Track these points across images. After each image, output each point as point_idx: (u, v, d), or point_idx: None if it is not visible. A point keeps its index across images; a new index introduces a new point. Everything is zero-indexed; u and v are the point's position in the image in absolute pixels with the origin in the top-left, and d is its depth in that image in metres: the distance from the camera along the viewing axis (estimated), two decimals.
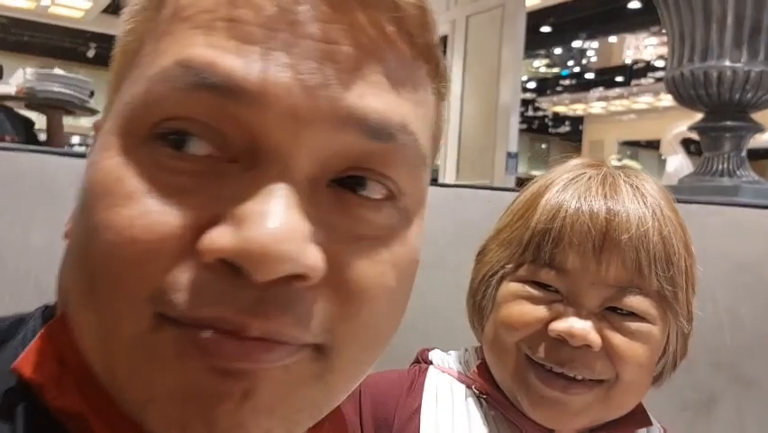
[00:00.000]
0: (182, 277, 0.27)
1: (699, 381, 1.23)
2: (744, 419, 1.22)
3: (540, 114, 15.40)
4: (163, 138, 0.28)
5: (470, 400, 0.66)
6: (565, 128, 16.09)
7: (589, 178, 0.62)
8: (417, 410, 0.65)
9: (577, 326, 0.58)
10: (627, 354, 0.59)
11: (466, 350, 0.72)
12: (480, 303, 0.67)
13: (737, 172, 1.77)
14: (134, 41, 0.31)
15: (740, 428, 1.22)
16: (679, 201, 1.92)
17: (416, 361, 0.73)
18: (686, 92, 1.78)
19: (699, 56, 1.74)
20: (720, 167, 1.78)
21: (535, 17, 9.14)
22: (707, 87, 1.72)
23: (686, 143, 3.98)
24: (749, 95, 1.71)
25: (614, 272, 0.58)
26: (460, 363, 0.70)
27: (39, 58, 11.21)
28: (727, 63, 1.70)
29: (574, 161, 0.67)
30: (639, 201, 0.60)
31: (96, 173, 0.29)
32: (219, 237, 0.26)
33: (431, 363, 0.71)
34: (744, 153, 1.81)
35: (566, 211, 0.59)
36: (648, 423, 0.68)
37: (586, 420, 0.62)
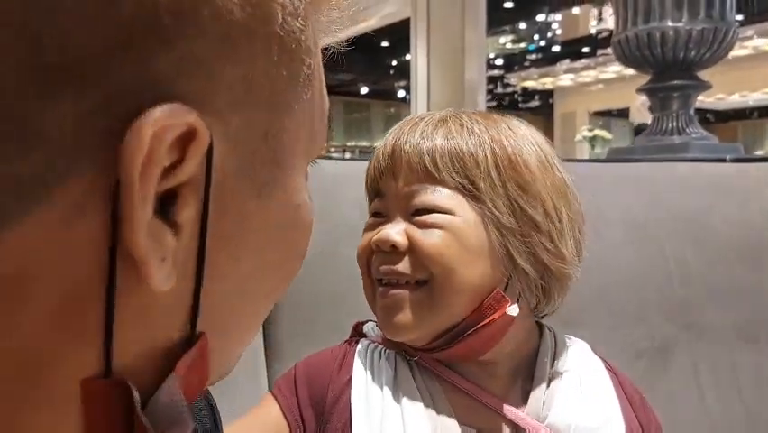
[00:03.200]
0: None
1: (652, 330, 1.27)
2: (697, 366, 1.26)
3: (509, 90, 15.45)
4: None
5: (400, 365, 0.69)
6: (536, 102, 16.17)
7: (425, 118, 0.70)
8: (348, 383, 0.68)
9: (382, 233, 0.66)
10: (426, 244, 0.64)
11: None
12: None
13: (686, 130, 1.81)
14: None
15: (694, 373, 1.26)
16: (629, 160, 1.97)
17: (352, 334, 0.76)
18: (632, 54, 1.82)
19: (642, 18, 1.78)
20: (670, 125, 1.82)
21: None
22: (651, 48, 1.76)
23: None
24: (692, 53, 1.75)
25: (404, 178, 0.67)
26: None
27: None
28: (669, 23, 1.74)
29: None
30: (444, 127, 0.67)
31: (310, 213, 0.34)
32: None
33: (364, 334, 0.74)
34: (692, 111, 1.85)
35: (382, 146, 0.70)
36: (500, 337, 0.67)
37: (422, 325, 0.66)
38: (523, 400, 0.69)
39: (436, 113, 0.71)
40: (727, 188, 1.35)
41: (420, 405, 0.66)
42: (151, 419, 0.26)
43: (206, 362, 0.30)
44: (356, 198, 0.81)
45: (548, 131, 15.78)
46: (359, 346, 0.72)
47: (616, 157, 2.06)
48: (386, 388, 0.67)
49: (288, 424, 0.69)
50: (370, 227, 0.70)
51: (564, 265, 0.66)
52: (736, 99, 13.10)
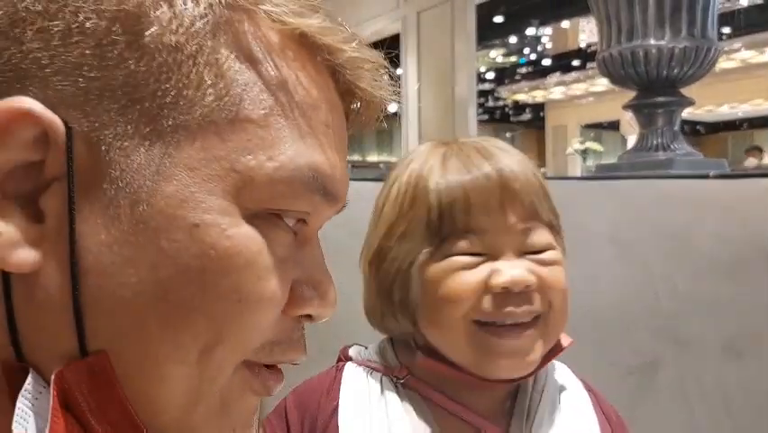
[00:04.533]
0: (279, 330, 0.35)
1: (640, 346, 1.29)
2: (684, 380, 1.28)
3: (500, 103, 15.54)
4: (271, 213, 0.33)
5: (387, 386, 0.70)
6: (527, 116, 16.25)
7: (459, 150, 0.69)
8: (335, 409, 0.69)
9: (515, 273, 0.65)
10: (553, 280, 0.67)
11: (382, 341, 0.75)
12: (404, 298, 0.69)
13: (671, 146, 1.84)
14: (241, 106, 0.32)
15: (681, 388, 1.27)
16: (615, 177, 1.98)
17: (339, 359, 0.76)
18: (617, 72, 1.85)
19: (625, 36, 1.81)
20: (655, 142, 1.85)
21: (487, 8, 9.22)
22: (635, 66, 1.79)
23: None
24: (675, 70, 1.78)
25: (517, 217, 0.66)
26: (376, 354, 0.74)
27: None
28: (652, 42, 1.77)
29: (423, 147, 0.73)
30: (510, 156, 0.69)
31: (233, 242, 0.31)
32: (310, 304, 0.36)
33: (350, 358, 0.74)
34: (676, 127, 1.88)
35: (463, 181, 0.66)
36: (560, 349, 0.72)
37: (538, 359, 0.67)
38: (506, 419, 0.70)
39: (458, 146, 0.70)
40: (711, 204, 1.38)
41: (408, 427, 0.67)
42: (38, 412, 0.29)
43: (113, 386, 0.30)
44: (344, 217, 0.82)
45: (540, 143, 15.85)
46: (345, 371, 0.72)
47: (602, 174, 2.08)
48: (374, 410, 0.68)
49: None
50: (468, 267, 0.65)
51: None
52: (725, 111, 13.22)
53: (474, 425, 0.69)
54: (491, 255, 0.66)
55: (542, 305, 0.66)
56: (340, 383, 0.71)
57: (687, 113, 1.93)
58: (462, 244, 0.66)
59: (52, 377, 0.29)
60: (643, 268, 1.33)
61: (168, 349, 0.31)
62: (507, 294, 0.64)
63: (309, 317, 0.37)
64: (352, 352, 0.75)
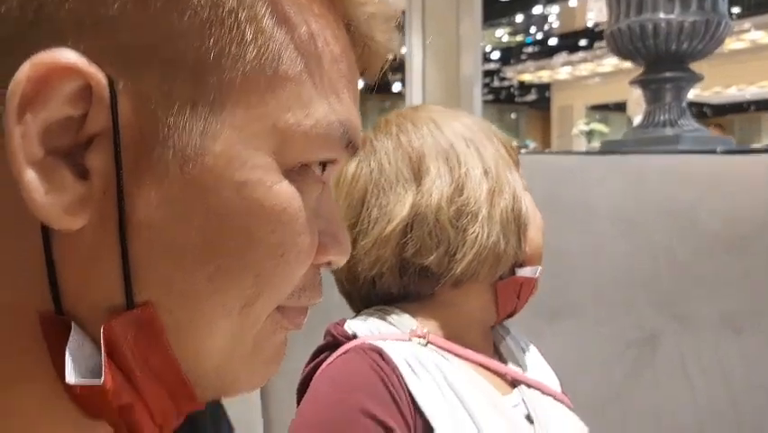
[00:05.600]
0: (305, 277, 0.36)
1: (640, 320, 1.29)
2: (684, 355, 1.28)
3: (506, 84, 15.43)
4: (303, 166, 0.34)
5: (424, 353, 0.67)
6: (532, 96, 16.16)
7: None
8: (408, 391, 0.63)
9: None
10: None
11: (378, 309, 0.73)
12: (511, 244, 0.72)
13: (679, 122, 1.81)
14: (280, 62, 0.32)
15: (681, 362, 1.27)
16: (620, 152, 1.96)
17: (332, 338, 0.71)
18: (625, 47, 1.82)
19: (634, 10, 1.78)
20: (662, 118, 1.83)
21: None
22: (644, 40, 1.76)
23: None
24: (684, 45, 1.75)
25: None
26: (387, 323, 0.71)
27: None
28: (662, 15, 1.73)
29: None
30: None
31: (279, 198, 0.33)
32: (331, 252, 0.38)
33: (351, 337, 0.69)
34: (684, 104, 1.86)
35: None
36: None
37: None
38: (500, 359, 0.76)
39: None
40: (716, 181, 1.36)
41: (467, 386, 0.66)
42: (78, 361, 0.29)
43: (158, 336, 0.31)
44: None
45: (545, 124, 15.77)
46: (385, 350, 0.65)
47: (606, 149, 2.06)
48: (433, 379, 0.65)
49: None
50: None
51: None
52: (733, 93, 13.10)
53: (499, 372, 0.73)
54: None
55: None
56: (393, 365, 0.64)
57: (694, 95, 1.91)
58: None
59: (101, 329, 0.30)
60: (646, 243, 1.32)
61: (214, 303, 0.32)
62: None
63: (329, 264, 0.38)
64: (355, 328, 0.70)
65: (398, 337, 0.68)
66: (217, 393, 0.36)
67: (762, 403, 1.26)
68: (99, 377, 0.29)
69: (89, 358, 0.30)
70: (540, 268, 0.75)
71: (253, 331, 0.35)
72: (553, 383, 0.77)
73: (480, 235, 0.68)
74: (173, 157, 0.30)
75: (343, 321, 0.72)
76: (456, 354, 0.69)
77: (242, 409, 1.12)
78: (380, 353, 0.65)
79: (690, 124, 1.85)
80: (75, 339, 0.30)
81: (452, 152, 0.70)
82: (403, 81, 6.75)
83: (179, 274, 0.31)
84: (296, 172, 0.33)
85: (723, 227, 1.30)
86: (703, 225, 1.31)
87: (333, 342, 0.70)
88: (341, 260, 0.39)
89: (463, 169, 0.69)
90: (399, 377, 0.63)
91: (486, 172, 0.69)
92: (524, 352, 0.78)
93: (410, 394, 0.63)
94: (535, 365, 0.77)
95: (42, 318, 0.30)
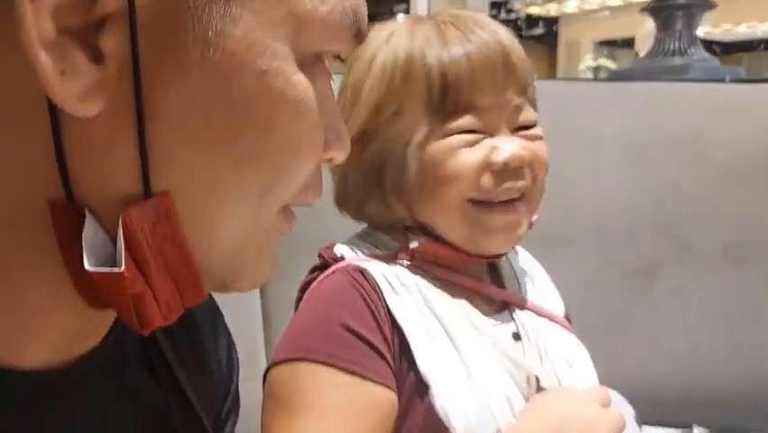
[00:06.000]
0: (309, 174, 0.37)
1: (641, 250, 1.28)
2: (683, 286, 1.28)
3: (513, 16, 15.04)
4: (315, 56, 0.34)
5: (405, 273, 0.67)
6: (540, 30, 15.78)
7: (444, 25, 0.66)
8: (386, 308, 0.64)
9: (514, 149, 0.64)
10: (542, 156, 0.67)
11: (365, 231, 0.73)
12: (399, 181, 0.67)
13: (688, 51, 1.77)
14: None
15: (680, 293, 1.28)
16: (627, 79, 1.92)
17: (322, 260, 0.71)
18: None
19: None
20: (672, 46, 1.78)
21: None
22: None
23: None
24: None
25: (515, 93, 0.65)
26: (371, 245, 0.71)
27: None
28: None
29: (398, 23, 0.69)
30: (502, 27, 0.67)
31: (298, 90, 0.32)
32: (333, 148, 0.37)
33: (338, 259, 0.69)
34: (695, 32, 1.80)
35: (467, 55, 0.63)
36: None
37: (525, 232, 0.69)
38: (495, 284, 0.74)
39: (438, 19, 0.67)
40: (723, 109, 1.33)
41: (446, 307, 0.66)
42: (91, 250, 0.29)
43: (174, 225, 0.31)
44: None
45: (552, 60, 15.47)
46: (369, 269, 0.66)
47: (614, 77, 2.02)
48: (413, 298, 0.65)
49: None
50: (469, 144, 0.64)
51: None
52: (743, 30, 12.78)
53: (490, 296, 0.71)
54: (489, 132, 0.65)
55: (530, 180, 0.67)
56: (374, 282, 0.65)
57: (704, 32, 1.84)
58: (463, 121, 0.64)
59: (120, 216, 0.29)
60: (650, 172, 1.30)
61: (234, 192, 0.32)
62: (504, 171, 0.64)
63: (330, 160, 0.38)
64: (343, 251, 0.70)
65: (383, 259, 0.69)
66: (221, 286, 0.36)
67: (759, 333, 1.28)
68: (111, 267, 0.29)
69: (102, 247, 0.30)
70: None
71: (265, 224, 0.35)
72: (556, 307, 0.76)
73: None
74: (193, 41, 0.29)
75: (333, 245, 0.72)
76: (438, 277, 0.69)
77: (244, 325, 1.13)
78: (363, 272, 0.66)
79: (699, 53, 1.81)
80: (90, 227, 0.29)
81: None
82: (407, 12, 6.59)
83: (202, 162, 0.31)
84: (309, 63, 0.33)
85: (731, 156, 1.28)
86: (711, 154, 1.29)
87: (323, 264, 0.71)
88: (341, 156, 0.39)
89: None
90: (379, 294, 0.64)
91: None
92: (527, 276, 0.77)
93: (389, 311, 0.64)
94: (538, 290, 0.76)
95: (53, 205, 0.30)
